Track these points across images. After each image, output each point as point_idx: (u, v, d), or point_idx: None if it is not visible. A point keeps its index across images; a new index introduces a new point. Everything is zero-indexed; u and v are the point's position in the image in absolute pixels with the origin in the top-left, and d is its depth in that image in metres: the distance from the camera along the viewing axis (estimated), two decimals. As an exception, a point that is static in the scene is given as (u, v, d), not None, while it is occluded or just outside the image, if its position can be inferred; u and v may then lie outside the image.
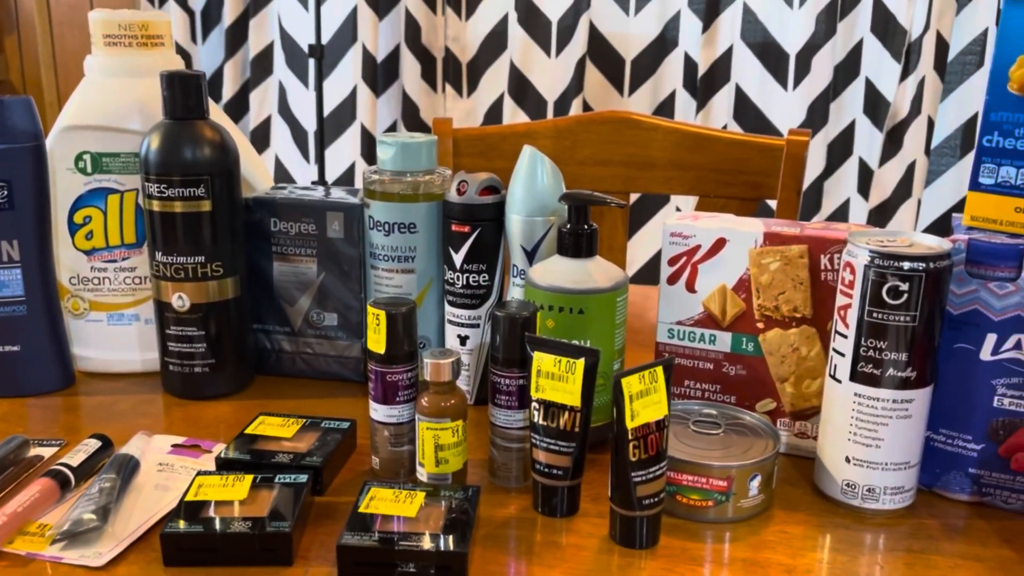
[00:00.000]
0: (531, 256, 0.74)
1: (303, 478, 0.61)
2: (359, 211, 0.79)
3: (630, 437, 0.56)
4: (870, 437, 0.60)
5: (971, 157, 2.05)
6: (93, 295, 0.82)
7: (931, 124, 2.02)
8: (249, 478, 0.61)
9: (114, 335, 0.83)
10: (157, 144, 0.74)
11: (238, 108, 2.37)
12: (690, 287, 0.70)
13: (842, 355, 0.61)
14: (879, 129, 2.05)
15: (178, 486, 0.64)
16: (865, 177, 2.10)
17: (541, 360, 0.60)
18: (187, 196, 0.74)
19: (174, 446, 0.70)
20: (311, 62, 2.25)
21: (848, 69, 2.07)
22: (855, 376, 0.60)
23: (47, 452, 0.69)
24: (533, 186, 0.73)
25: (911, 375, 0.59)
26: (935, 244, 0.59)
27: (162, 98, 0.75)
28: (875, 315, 0.58)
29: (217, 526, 0.56)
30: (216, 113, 0.81)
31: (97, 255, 0.82)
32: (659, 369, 0.57)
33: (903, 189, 2.06)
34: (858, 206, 2.12)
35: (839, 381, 0.61)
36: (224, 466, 0.65)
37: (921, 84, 1.99)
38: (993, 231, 0.62)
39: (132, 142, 0.79)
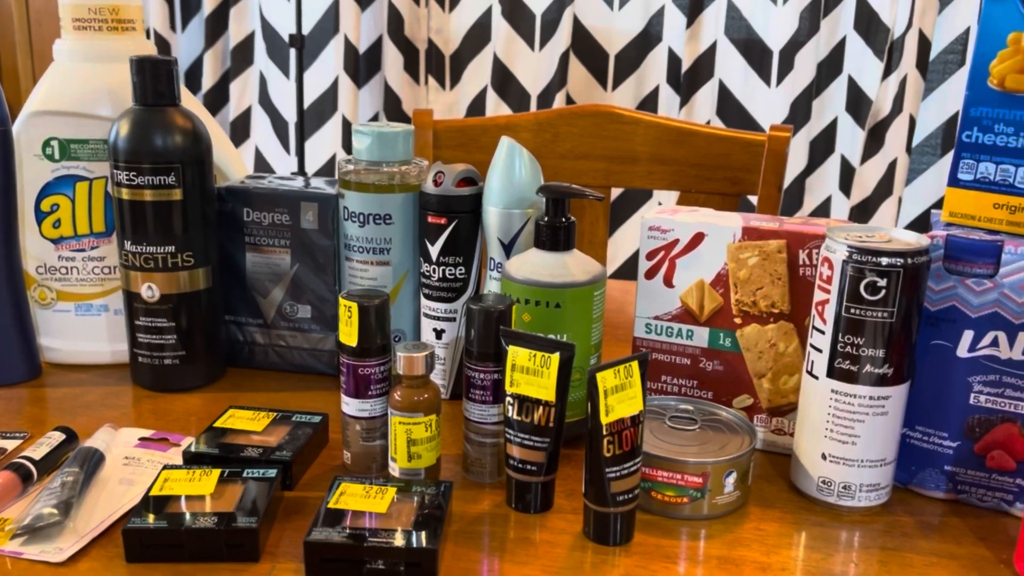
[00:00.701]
0: (508, 249, 0.73)
1: (272, 473, 0.60)
2: (333, 201, 0.78)
3: (604, 432, 0.55)
4: (846, 434, 0.60)
5: (950, 157, 2.07)
6: (61, 285, 0.81)
7: (913, 122, 2.03)
8: (216, 472, 0.60)
9: (82, 326, 0.81)
10: (126, 131, 0.72)
11: (218, 98, 2.34)
12: (668, 282, 0.69)
13: (819, 351, 0.60)
14: (861, 127, 2.06)
15: (144, 480, 0.62)
16: (847, 174, 2.10)
17: (516, 354, 0.60)
18: (157, 184, 0.73)
19: (141, 439, 0.69)
20: (292, 52, 2.23)
21: (831, 66, 2.07)
22: (832, 372, 0.60)
23: (10, 445, 0.67)
24: (511, 178, 0.72)
25: (888, 372, 0.58)
26: (913, 240, 0.59)
27: (132, 84, 0.73)
28: (852, 311, 0.58)
29: (182, 521, 0.54)
30: (189, 100, 0.79)
31: (65, 244, 0.80)
32: (634, 364, 0.56)
33: (884, 187, 2.07)
34: (839, 203, 2.12)
35: (816, 377, 0.61)
36: (191, 460, 0.63)
37: (903, 82, 2.00)
38: (971, 227, 0.61)
39: (101, 128, 0.77)
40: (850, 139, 2.08)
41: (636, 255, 2.17)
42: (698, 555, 0.57)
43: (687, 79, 2.10)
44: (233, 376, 0.82)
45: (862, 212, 2.09)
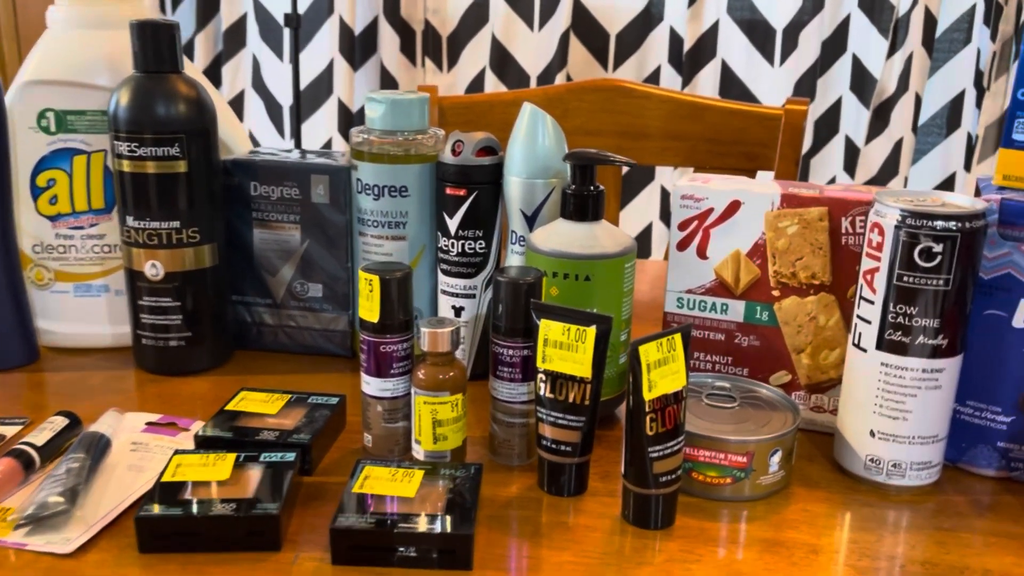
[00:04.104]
0: (531, 221, 0.70)
1: (290, 456, 0.57)
2: (346, 174, 0.74)
3: (647, 409, 0.52)
4: (897, 409, 0.57)
5: (956, 136, 2.04)
6: (58, 264, 0.77)
7: (918, 101, 2.00)
8: (231, 457, 0.56)
9: (81, 307, 0.78)
10: (127, 99, 0.69)
11: (210, 81, 2.28)
12: (701, 253, 0.66)
13: (868, 322, 0.57)
14: (866, 106, 2.03)
15: (153, 466, 0.59)
16: (851, 155, 2.07)
17: (548, 328, 0.56)
18: (160, 156, 0.69)
19: (148, 424, 0.65)
20: (286, 33, 2.18)
21: (835, 45, 2.04)
22: (882, 344, 0.57)
23: (10, 431, 0.64)
24: (534, 146, 0.69)
25: (942, 343, 0.55)
26: (968, 204, 0.56)
27: (132, 50, 0.69)
28: (905, 279, 0.55)
29: (197, 508, 0.51)
30: (190, 69, 0.75)
31: (62, 221, 0.76)
32: (677, 337, 0.53)
33: (890, 167, 2.04)
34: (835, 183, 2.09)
35: (864, 350, 0.58)
36: (204, 444, 0.60)
37: (909, 60, 1.97)
38: (1025, 191, 0.58)
39: (100, 99, 0.73)
40: (855, 118, 2.05)
41: (645, 233, 2.15)
42: (746, 538, 0.54)
43: (689, 59, 2.06)
44: (241, 358, 0.78)
45: (867, 193, 2.06)
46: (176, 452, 0.57)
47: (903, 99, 1.99)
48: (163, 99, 0.69)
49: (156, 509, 0.51)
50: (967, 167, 2.04)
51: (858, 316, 0.58)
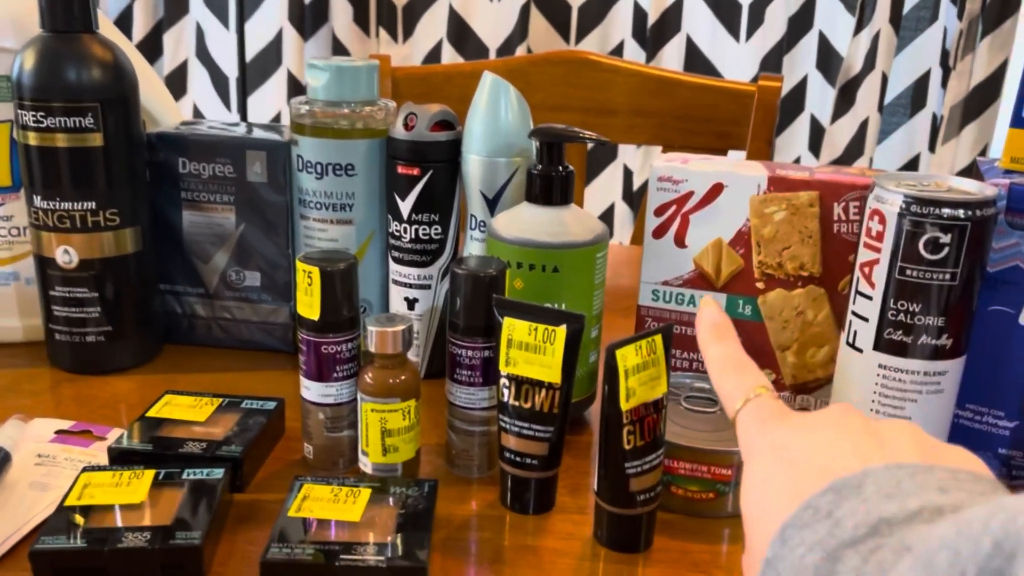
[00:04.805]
0: (492, 204, 0.63)
1: (219, 473, 0.50)
2: (285, 150, 0.66)
3: (625, 421, 0.46)
4: (895, 415, 0.52)
5: (921, 116, 2.01)
6: (-41, 249, 0.68)
7: (885, 80, 1.96)
8: (150, 474, 0.49)
9: (-13, 297, 0.69)
10: (32, 63, 0.60)
11: (151, 51, 2.17)
12: (679, 241, 0.60)
13: (864, 320, 0.52)
14: (832, 84, 1.99)
15: (60, 484, 0.51)
16: (816, 134, 2.03)
17: (513, 327, 0.50)
18: (72, 127, 0.61)
19: (58, 432, 0.57)
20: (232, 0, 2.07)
21: (801, 21, 1.99)
22: (880, 344, 0.51)
23: None
24: (496, 121, 0.62)
25: (946, 343, 0.50)
26: (975, 189, 0.50)
27: (39, 6, 0.61)
28: (909, 272, 0.49)
29: (106, 539, 0.44)
30: (109, 30, 0.67)
31: (-37, 201, 0.67)
32: (658, 338, 0.47)
33: (855, 147, 2.01)
34: (809, 164, 2.06)
35: (859, 351, 0.52)
36: (119, 458, 0.53)
37: (875, 38, 1.93)
38: (1035, 176, 0.53)
39: (4, 62, 0.65)
40: (820, 98, 2.02)
41: (607, 215, 2.09)
42: (732, 561, 0.48)
43: (653, 33, 2.00)
44: (170, 355, 0.71)
45: (831, 173, 2.03)
46: (84, 469, 0.50)
47: (869, 77, 1.96)
48: (74, 63, 0.60)
49: (56, 540, 0.44)
50: (931, 148, 2.01)
51: (853, 313, 0.53)
